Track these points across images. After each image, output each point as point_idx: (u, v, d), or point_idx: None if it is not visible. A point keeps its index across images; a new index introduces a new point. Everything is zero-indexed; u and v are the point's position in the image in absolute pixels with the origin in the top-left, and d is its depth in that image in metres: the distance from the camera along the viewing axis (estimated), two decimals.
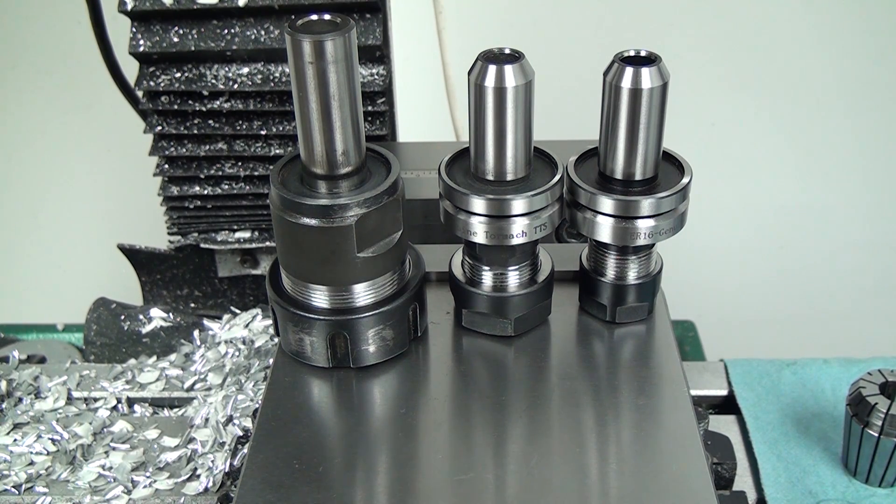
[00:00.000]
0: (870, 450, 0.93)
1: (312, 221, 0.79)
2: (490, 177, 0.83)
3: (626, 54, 0.81)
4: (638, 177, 0.84)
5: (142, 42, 1.15)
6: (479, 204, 0.82)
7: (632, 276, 0.90)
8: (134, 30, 1.15)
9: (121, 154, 1.92)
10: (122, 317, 1.25)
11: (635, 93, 0.79)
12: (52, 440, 0.99)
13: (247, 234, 1.29)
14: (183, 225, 1.29)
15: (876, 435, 0.92)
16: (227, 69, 1.18)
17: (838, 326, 2.03)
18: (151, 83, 1.17)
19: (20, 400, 1.07)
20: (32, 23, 1.81)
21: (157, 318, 1.25)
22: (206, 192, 1.25)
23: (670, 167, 0.87)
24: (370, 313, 0.84)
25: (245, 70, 1.18)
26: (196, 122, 1.21)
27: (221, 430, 0.99)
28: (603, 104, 0.83)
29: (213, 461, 0.95)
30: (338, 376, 0.87)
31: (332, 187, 0.81)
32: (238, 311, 1.23)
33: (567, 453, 0.78)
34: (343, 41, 0.74)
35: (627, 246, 0.87)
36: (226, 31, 1.15)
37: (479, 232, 0.83)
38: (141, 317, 1.25)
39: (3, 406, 1.06)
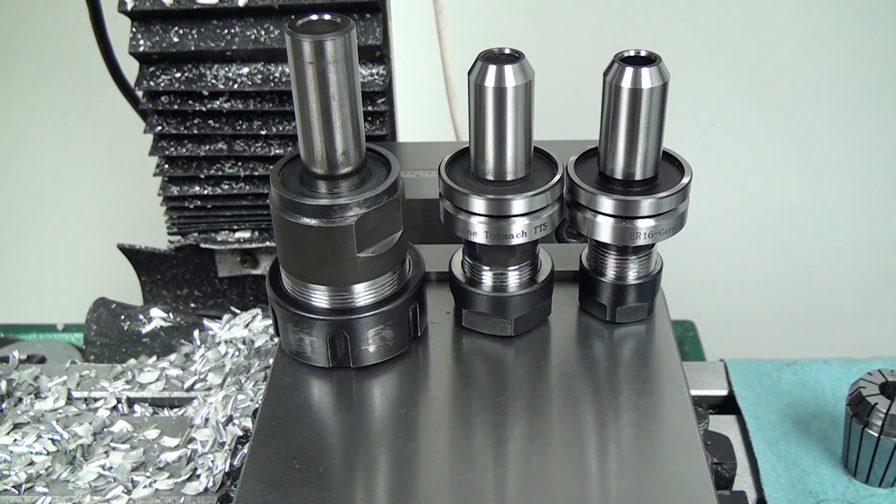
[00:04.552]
0: (870, 450, 0.93)
1: (312, 221, 0.79)
2: (490, 177, 0.83)
3: (626, 54, 0.81)
4: (638, 177, 0.84)
5: (142, 42, 1.15)
6: (479, 204, 0.82)
7: (632, 276, 0.90)
8: (134, 30, 1.15)
9: (121, 154, 1.92)
10: (122, 317, 1.25)
11: (635, 93, 0.79)
12: (52, 440, 0.99)
13: (247, 234, 1.29)
14: (183, 225, 1.29)
15: (876, 435, 0.92)
16: (227, 69, 1.18)
17: (838, 326, 2.03)
18: (151, 83, 1.17)
19: (20, 400, 1.07)
20: (32, 23, 1.81)
21: (157, 318, 1.25)
22: (206, 192, 1.25)
23: (670, 167, 0.87)
24: (370, 313, 0.84)
25: (245, 70, 1.18)
26: (196, 122, 1.21)
27: (221, 430, 0.99)
28: (603, 104, 0.83)
29: (213, 461, 0.95)
30: (338, 376, 0.87)
31: (332, 187, 0.81)
32: (238, 311, 1.23)
33: (567, 453, 0.78)
34: (343, 41, 0.74)
35: (627, 246, 0.87)
36: (226, 31, 1.15)
37: (479, 232, 0.83)
38: (141, 317, 1.25)
39: (3, 406, 1.06)
